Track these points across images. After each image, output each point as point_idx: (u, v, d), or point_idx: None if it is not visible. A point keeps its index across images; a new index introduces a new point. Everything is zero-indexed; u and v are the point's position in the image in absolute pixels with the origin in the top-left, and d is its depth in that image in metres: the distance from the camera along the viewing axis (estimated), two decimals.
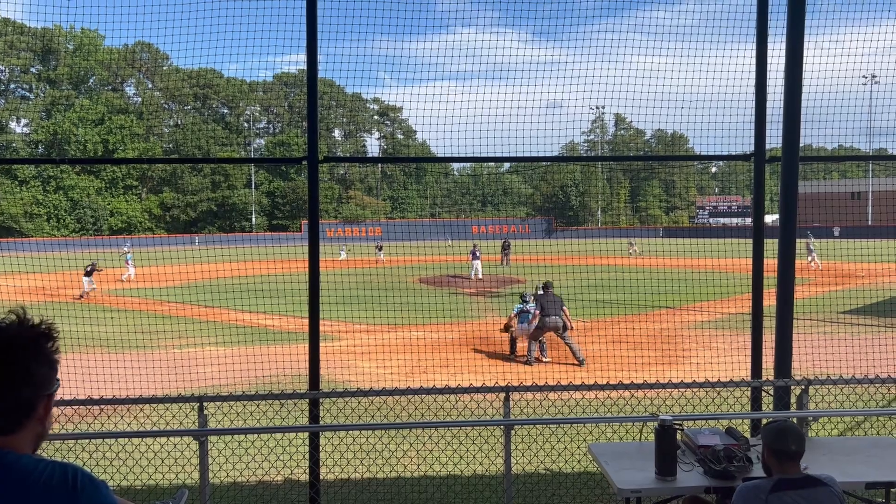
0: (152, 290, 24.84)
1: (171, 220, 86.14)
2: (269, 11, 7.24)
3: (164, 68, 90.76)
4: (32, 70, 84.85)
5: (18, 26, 78.84)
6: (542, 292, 14.80)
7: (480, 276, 32.63)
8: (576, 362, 14.28)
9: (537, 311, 14.43)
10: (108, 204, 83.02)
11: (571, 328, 14.62)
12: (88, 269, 27.14)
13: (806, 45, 6.11)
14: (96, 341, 15.87)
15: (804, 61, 6.13)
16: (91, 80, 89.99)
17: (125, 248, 36.28)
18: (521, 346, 15.37)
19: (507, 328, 15.76)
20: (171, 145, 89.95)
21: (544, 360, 15.07)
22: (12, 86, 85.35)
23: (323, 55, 6.21)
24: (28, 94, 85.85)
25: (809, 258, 33.45)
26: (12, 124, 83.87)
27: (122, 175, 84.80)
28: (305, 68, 6.10)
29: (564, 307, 14.55)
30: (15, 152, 79.68)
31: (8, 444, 1.63)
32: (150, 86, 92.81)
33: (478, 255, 33.50)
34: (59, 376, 1.72)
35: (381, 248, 46.23)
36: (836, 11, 7.56)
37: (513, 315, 15.45)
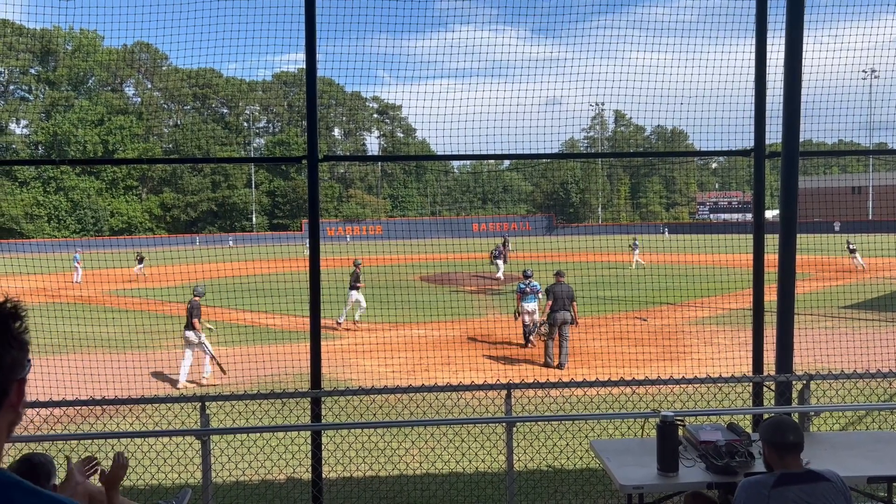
0: (154, 290, 24.88)
1: (171, 220, 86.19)
2: (268, 10, 7.26)
3: (164, 68, 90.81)
4: (32, 71, 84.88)
5: (17, 27, 78.83)
6: (553, 281, 14.36)
7: (500, 277, 32.04)
8: (558, 361, 13.74)
9: (549, 302, 14.01)
10: (109, 205, 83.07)
11: (575, 324, 14.23)
12: (354, 278, 19.24)
13: (805, 39, 6.10)
14: (98, 342, 15.89)
15: (803, 56, 6.12)
16: (90, 81, 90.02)
17: (77, 250, 34.33)
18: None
19: (518, 314, 15.96)
20: (170, 145, 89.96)
21: (528, 345, 15.55)
22: (12, 87, 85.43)
23: (322, 54, 6.22)
24: (27, 95, 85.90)
25: (635, 254, 36.11)
26: (12, 125, 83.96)
27: (123, 176, 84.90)
28: (304, 67, 6.10)
29: (574, 301, 14.18)
30: (15, 153, 79.73)
31: None
32: (149, 86, 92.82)
33: (501, 250, 32.90)
34: (30, 357, 1.58)
35: (141, 260, 35.03)
36: (835, 6, 7.56)
37: (518, 296, 15.65)
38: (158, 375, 13.65)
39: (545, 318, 14.12)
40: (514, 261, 39.33)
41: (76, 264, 33.01)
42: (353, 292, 18.77)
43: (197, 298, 13.49)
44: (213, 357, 13.25)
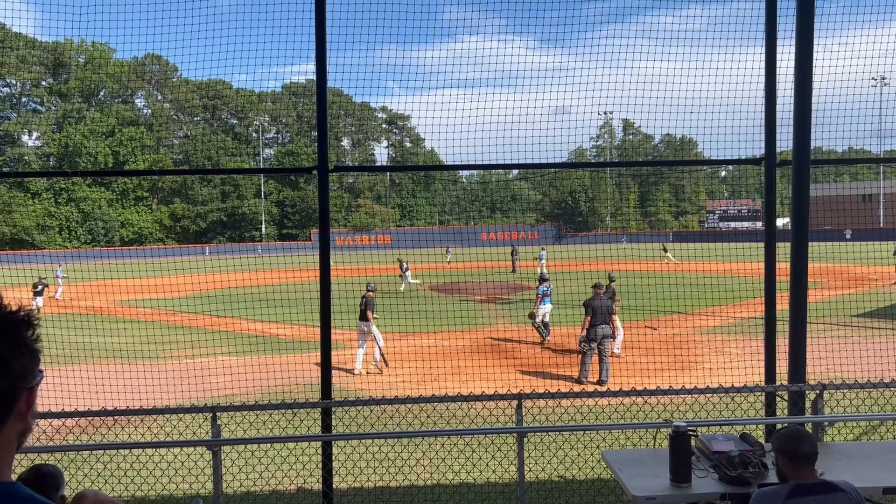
0: (164, 301, 24.97)
1: (181, 230, 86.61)
2: (278, 22, 7.32)
3: (174, 80, 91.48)
4: (44, 84, 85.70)
5: (30, 41, 79.63)
6: (591, 295, 13.55)
7: (402, 289, 31.06)
8: (597, 378, 13.18)
9: (588, 317, 13.22)
10: (119, 215, 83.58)
11: (614, 338, 13.50)
12: None
13: (815, 47, 6.09)
14: (109, 352, 15.96)
15: (813, 63, 6.11)
16: (101, 93, 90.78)
17: (59, 265, 32.63)
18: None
19: (532, 316, 16.84)
20: (180, 156, 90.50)
21: (546, 339, 16.48)
22: (24, 99, 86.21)
23: (331, 65, 6.26)
24: (40, 107, 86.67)
25: (542, 263, 38.62)
26: (24, 137, 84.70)
27: (133, 186, 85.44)
28: (315, 78, 6.13)
29: (614, 314, 13.49)
30: (27, 165, 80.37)
31: None
32: (159, 97, 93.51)
33: (405, 266, 32.19)
34: (41, 367, 1.55)
35: (41, 291, 26.41)
36: (844, 14, 7.54)
37: (538, 297, 16.58)
38: (169, 386, 13.69)
39: (584, 334, 13.29)
40: (522, 269, 39.36)
41: (58, 279, 31.52)
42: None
43: (371, 293, 14.84)
44: (380, 349, 14.67)
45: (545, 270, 37.54)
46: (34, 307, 22.35)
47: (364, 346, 14.77)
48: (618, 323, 15.27)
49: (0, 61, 79.64)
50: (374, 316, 14.76)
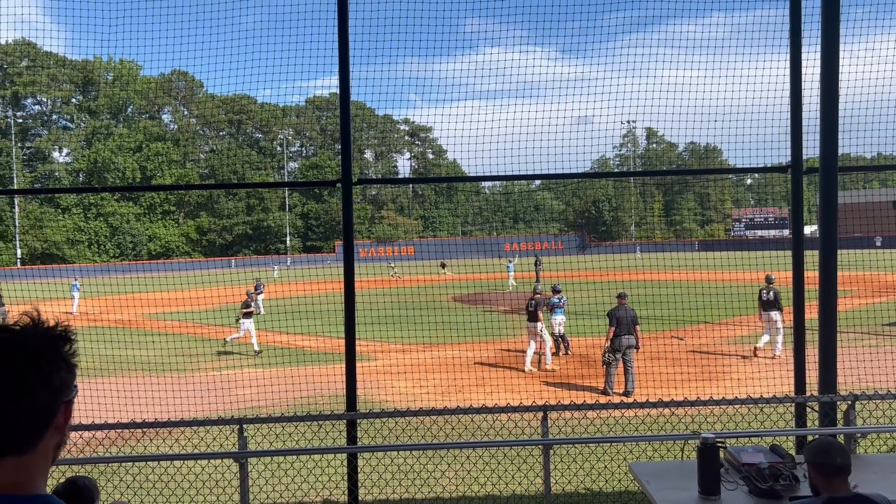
0: (191, 314, 25.22)
1: (207, 243, 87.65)
2: (301, 37, 7.41)
3: (200, 96, 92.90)
4: (73, 101, 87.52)
5: (60, 59, 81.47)
6: (615, 304, 13.52)
7: (262, 311, 25.35)
8: (623, 388, 13.15)
9: (612, 328, 13.15)
10: (147, 229, 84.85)
11: (638, 348, 13.37)
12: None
13: (841, 52, 6.02)
14: (137, 365, 16.16)
15: (839, 69, 6.04)
16: (129, 109, 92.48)
17: (76, 279, 31.60)
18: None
19: (535, 291, 16.88)
20: (206, 170, 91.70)
21: (568, 351, 16.66)
22: (54, 117, 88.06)
23: (354, 78, 6.32)
24: (69, 124, 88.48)
25: (510, 274, 38.40)
26: (55, 154, 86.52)
27: (160, 201, 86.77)
28: (338, 92, 6.19)
29: (638, 324, 13.34)
30: (57, 181, 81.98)
31: (23, 472, 1.48)
32: (185, 113, 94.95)
33: (261, 289, 26.57)
34: (77, 383, 1.61)
35: (246, 309, 21.79)
36: (870, 18, 7.45)
37: (548, 308, 16.61)
38: (196, 398, 13.81)
39: (609, 345, 13.19)
40: (545, 279, 39.25)
41: (74, 293, 30.31)
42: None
43: (538, 295, 15.76)
44: (554, 344, 15.49)
45: (513, 281, 37.78)
46: (242, 332, 19.14)
47: (533, 345, 15.42)
48: (779, 324, 15.80)
49: (31, 80, 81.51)
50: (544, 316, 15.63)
